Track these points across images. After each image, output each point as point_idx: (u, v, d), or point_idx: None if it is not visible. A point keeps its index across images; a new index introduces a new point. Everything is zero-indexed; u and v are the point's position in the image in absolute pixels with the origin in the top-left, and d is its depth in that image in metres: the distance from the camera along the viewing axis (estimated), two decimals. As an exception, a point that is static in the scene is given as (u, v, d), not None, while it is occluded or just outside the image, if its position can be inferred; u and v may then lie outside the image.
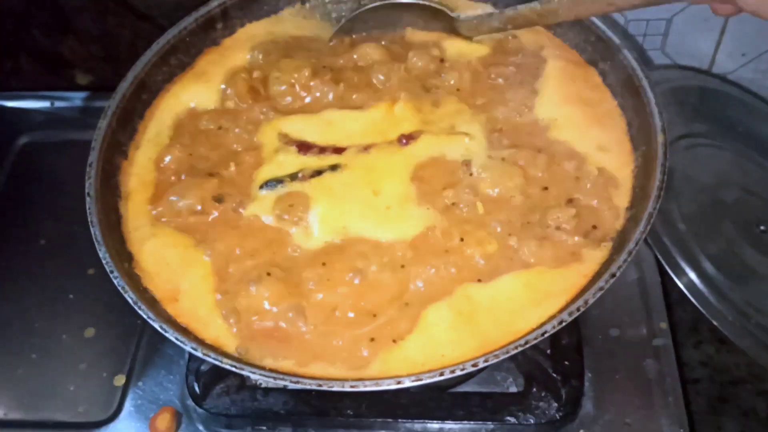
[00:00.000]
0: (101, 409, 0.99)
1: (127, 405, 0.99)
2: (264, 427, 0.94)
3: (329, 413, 0.92)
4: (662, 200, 1.03)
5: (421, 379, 0.70)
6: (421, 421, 0.91)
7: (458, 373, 0.69)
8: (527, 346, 0.70)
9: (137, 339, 1.04)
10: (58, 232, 1.16)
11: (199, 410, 0.94)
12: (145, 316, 0.75)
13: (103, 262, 0.79)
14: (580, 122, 0.91)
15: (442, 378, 0.69)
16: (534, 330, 0.73)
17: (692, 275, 0.95)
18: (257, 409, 0.93)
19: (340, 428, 0.93)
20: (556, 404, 0.91)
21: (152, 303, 0.79)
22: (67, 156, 1.17)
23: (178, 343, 0.73)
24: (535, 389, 0.92)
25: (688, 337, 1.06)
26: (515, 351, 0.70)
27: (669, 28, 1.21)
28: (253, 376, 0.71)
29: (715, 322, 0.93)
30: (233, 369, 0.72)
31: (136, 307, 0.75)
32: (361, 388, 0.69)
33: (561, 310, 0.75)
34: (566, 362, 0.92)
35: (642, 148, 0.87)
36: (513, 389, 0.96)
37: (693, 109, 1.17)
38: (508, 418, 0.90)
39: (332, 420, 0.92)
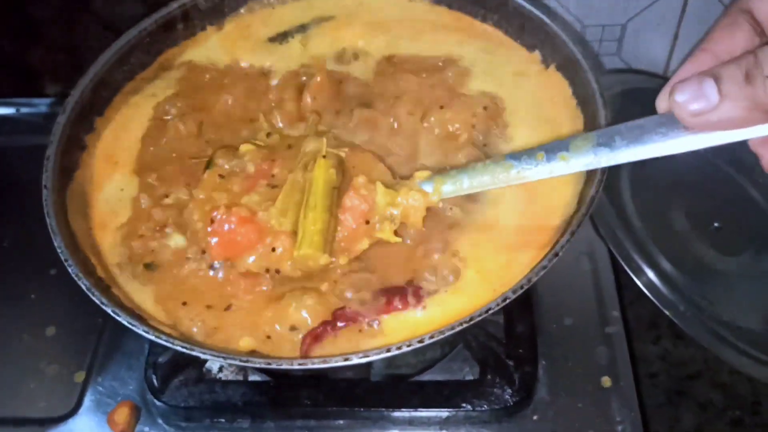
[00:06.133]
0: (61, 404, 0.99)
1: (87, 400, 0.99)
2: (223, 419, 0.94)
3: (287, 403, 0.93)
4: (618, 198, 1.05)
5: (368, 356, 0.70)
6: (378, 409, 0.92)
7: (404, 349, 0.69)
8: (471, 322, 0.70)
9: (98, 336, 1.04)
10: (20, 234, 1.18)
11: (158, 403, 0.95)
12: (98, 302, 0.75)
13: (58, 251, 0.79)
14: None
15: (388, 354, 0.69)
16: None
17: (650, 273, 0.96)
18: (215, 402, 0.94)
19: (298, 418, 0.94)
20: (510, 390, 0.92)
21: (106, 290, 0.80)
22: (31, 161, 1.18)
23: (131, 326, 0.74)
24: (489, 376, 0.93)
25: (647, 332, 1.07)
26: (460, 327, 0.70)
27: (624, 33, 1.24)
28: (202, 356, 0.72)
29: (671, 316, 0.94)
30: (184, 350, 0.72)
31: (89, 293, 0.76)
32: (310, 366, 0.70)
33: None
34: (520, 350, 0.94)
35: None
36: (470, 377, 0.97)
37: (647, 112, 1.18)
38: (464, 404, 0.91)
39: (290, 410, 0.93)
